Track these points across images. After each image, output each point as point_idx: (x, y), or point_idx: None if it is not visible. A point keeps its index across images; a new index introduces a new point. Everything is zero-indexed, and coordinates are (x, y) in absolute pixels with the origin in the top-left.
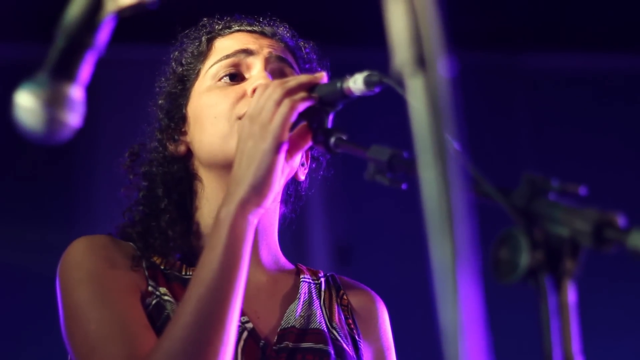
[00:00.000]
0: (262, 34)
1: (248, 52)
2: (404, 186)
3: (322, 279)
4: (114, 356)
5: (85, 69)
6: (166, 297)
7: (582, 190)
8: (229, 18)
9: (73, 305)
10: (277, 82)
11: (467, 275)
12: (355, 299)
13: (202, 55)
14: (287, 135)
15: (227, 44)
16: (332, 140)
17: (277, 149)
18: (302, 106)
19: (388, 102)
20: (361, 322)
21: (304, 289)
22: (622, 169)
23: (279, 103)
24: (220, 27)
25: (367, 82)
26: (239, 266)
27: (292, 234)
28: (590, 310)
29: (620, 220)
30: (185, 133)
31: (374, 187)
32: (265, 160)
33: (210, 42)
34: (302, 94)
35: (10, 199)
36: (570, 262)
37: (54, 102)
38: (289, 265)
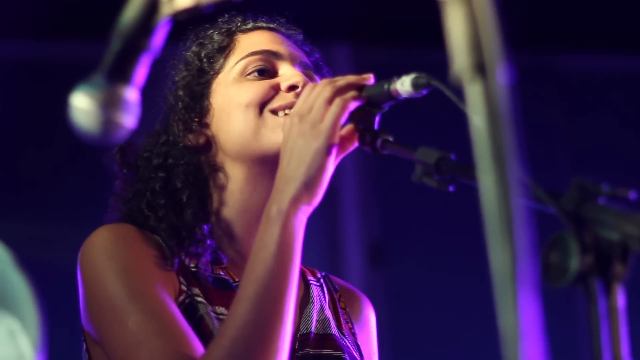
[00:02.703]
0: (282, 34)
1: (276, 54)
2: (451, 188)
3: (322, 280)
4: (162, 351)
5: (140, 72)
6: (199, 299)
7: (632, 195)
8: (245, 16)
9: (107, 298)
10: (326, 80)
11: (526, 281)
12: (350, 302)
13: (224, 50)
14: (338, 135)
15: (252, 40)
16: (379, 141)
17: (329, 149)
18: (353, 106)
19: (435, 104)
20: (356, 325)
21: (314, 292)
22: None
23: (330, 102)
24: (239, 23)
25: (415, 84)
26: (293, 263)
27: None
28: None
29: None
30: (206, 124)
31: (408, 187)
32: (317, 159)
33: (231, 37)
34: (352, 93)
35: (43, 198)
36: (620, 266)
37: (109, 104)
38: None
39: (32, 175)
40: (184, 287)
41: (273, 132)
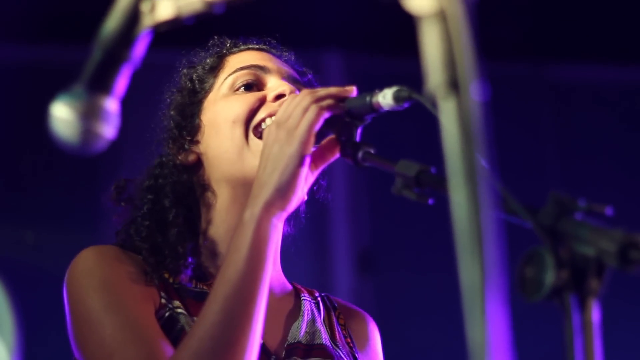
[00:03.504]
0: (272, 53)
1: (263, 69)
2: (430, 201)
3: (319, 298)
4: (134, 359)
5: (121, 82)
6: (179, 310)
7: (609, 211)
8: (236, 39)
9: (86, 312)
10: (307, 90)
11: (495, 295)
12: (350, 320)
13: (214, 70)
14: (312, 141)
15: (241, 59)
16: (360, 153)
17: (302, 154)
18: (328, 112)
19: (416, 117)
20: (358, 342)
21: (306, 306)
22: None
23: (306, 110)
24: (230, 45)
25: (397, 97)
26: (264, 267)
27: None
28: (614, 329)
29: None
30: (197, 142)
31: (398, 198)
32: (290, 164)
33: (221, 58)
34: (329, 101)
35: (29, 201)
36: (595, 282)
37: (89, 114)
38: (288, 284)
39: (20, 179)
40: (164, 301)
41: (254, 158)
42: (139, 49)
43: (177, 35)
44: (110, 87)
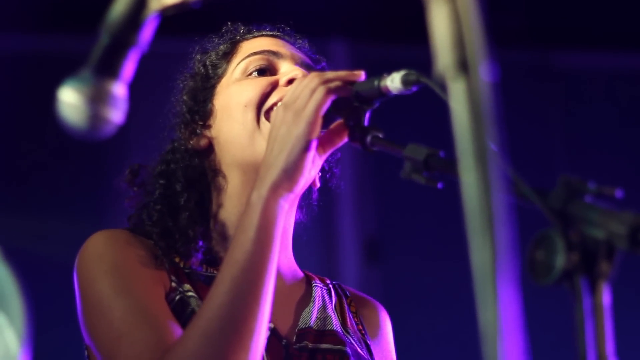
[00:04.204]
0: (286, 40)
1: (277, 54)
2: (439, 185)
3: (330, 285)
4: (143, 342)
5: (128, 67)
6: (190, 294)
7: (619, 193)
8: (249, 25)
9: (96, 296)
10: (315, 73)
11: (506, 278)
12: (362, 309)
13: (227, 56)
14: (320, 122)
15: (254, 44)
16: (369, 138)
17: (309, 134)
18: (336, 94)
19: (426, 101)
20: (370, 330)
21: (317, 293)
22: None
23: (314, 91)
24: (243, 32)
25: (405, 81)
26: (271, 247)
27: (322, 229)
28: (625, 312)
29: None
30: (209, 127)
31: (404, 184)
32: (297, 145)
33: (235, 44)
34: (336, 82)
35: (37, 191)
36: (606, 264)
37: (97, 99)
38: (299, 272)
39: (25, 169)
40: (174, 285)
41: (266, 141)
42: (146, 33)
43: (185, 23)
44: (117, 72)
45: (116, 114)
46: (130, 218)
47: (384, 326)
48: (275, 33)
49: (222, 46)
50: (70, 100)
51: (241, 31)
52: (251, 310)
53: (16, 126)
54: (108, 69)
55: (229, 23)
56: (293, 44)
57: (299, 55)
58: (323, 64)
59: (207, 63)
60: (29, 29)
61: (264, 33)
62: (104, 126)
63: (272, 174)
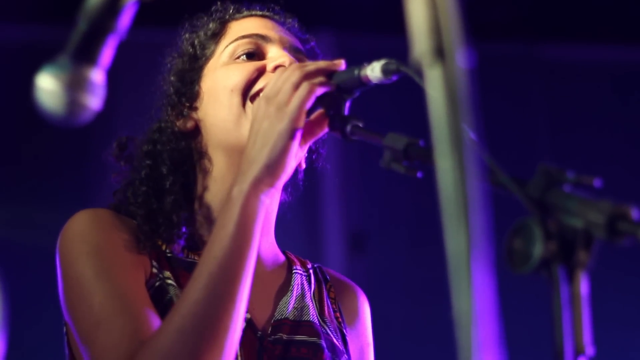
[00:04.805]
0: (275, 20)
1: (265, 38)
2: (419, 174)
3: (311, 270)
4: (120, 330)
5: (107, 53)
6: (169, 281)
7: (597, 183)
8: (239, 4)
9: (76, 277)
10: (295, 65)
11: (481, 265)
12: (341, 293)
13: (216, 37)
14: (303, 119)
15: (243, 26)
16: (349, 127)
17: (292, 131)
18: (320, 90)
19: (405, 90)
20: (347, 317)
21: (296, 280)
22: (638, 162)
23: (297, 86)
24: (232, 11)
25: (385, 70)
26: (250, 244)
27: (306, 220)
28: (602, 301)
29: (634, 213)
30: (196, 109)
31: (389, 175)
32: (280, 141)
33: (224, 24)
34: (320, 78)
35: (24, 179)
36: (584, 254)
37: (75, 85)
38: (281, 255)
39: (13, 158)
40: (155, 270)
41: (248, 122)
42: (125, 20)
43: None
44: (95, 58)
45: (94, 101)
46: (115, 193)
47: (362, 311)
48: (264, 13)
49: (211, 24)
50: (47, 86)
51: (230, 11)
52: (227, 308)
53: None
54: (86, 55)
55: (219, 3)
56: (282, 24)
57: (287, 37)
58: (312, 43)
59: (196, 43)
60: (13, 19)
61: (253, 13)
62: (81, 113)
63: (254, 169)
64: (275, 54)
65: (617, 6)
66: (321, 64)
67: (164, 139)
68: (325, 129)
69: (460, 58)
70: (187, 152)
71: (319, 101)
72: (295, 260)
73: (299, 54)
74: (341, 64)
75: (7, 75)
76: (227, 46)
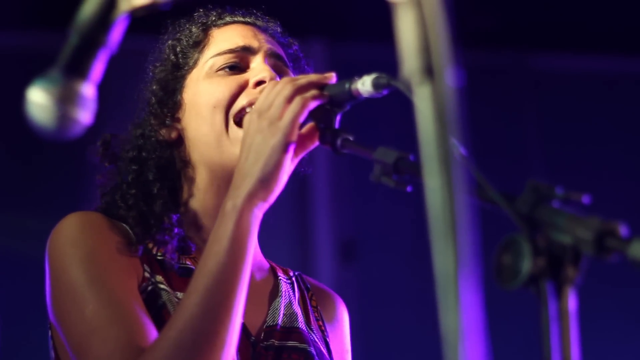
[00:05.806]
0: (258, 27)
1: (249, 49)
2: (409, 188)
3: (293, 278)
4: (115, 340)
5: (98, 67)
6: (162, 286)
7: (585, 199)
8: (221, 10)
9: (69, 283)
10: (287, 79)
11: (468, 282)
12: (322, 301)
13: (198, 45)
14: (296, 133)
15: (226, 36)
16: (339, 141)
17: (286, 146)
18: (313, 104)
19: (396, 104)
20: (328, 324)
21: (284, 288)
22: (629, 173)
23: (289, 100)
24: (215, 18)
25: (376, 85)
26: (244, 259)
27: (297, 229)
28: (591, 317)
29: (622, 230)
30: (178, 119)
31: (380, 186)
32: (274, 156)
33: (206, 32)
34: (313, 92)
35: (14, 188)
36: (572, 270)
37: (65, 99)
38: (265, 263)
39: (6, 165)
40: (147, 275)
41: (233, 146)
42: (116, 34)
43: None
44: (86, 72)
45: (84, 115)
46: (103, 196)
47: (342, 319)
48: (247, 20)
49: (193, 29)
50: (38, 100)
51: (213, 17)
52: (223, 322)
53: None
54: (77, 69)
55: (201, 10)
56: (265, 30)
57: (269, 46)
58: (295, 47)
59: (178, 50)
60: (19, 25)
61: (235, 20)
62: (72, 126)
63: (247, 184)
64: (257, 68)
65: (608, 16)
66: (312, 77)
67: (148, 147)
68: (316, 142)
69: (449, 77)
70: (172, 160)
71: (310, 114)
72: (277, 267)
73: (281, 61)
74: (332, 77)
75: (0, 83)
76: (210, 57)
